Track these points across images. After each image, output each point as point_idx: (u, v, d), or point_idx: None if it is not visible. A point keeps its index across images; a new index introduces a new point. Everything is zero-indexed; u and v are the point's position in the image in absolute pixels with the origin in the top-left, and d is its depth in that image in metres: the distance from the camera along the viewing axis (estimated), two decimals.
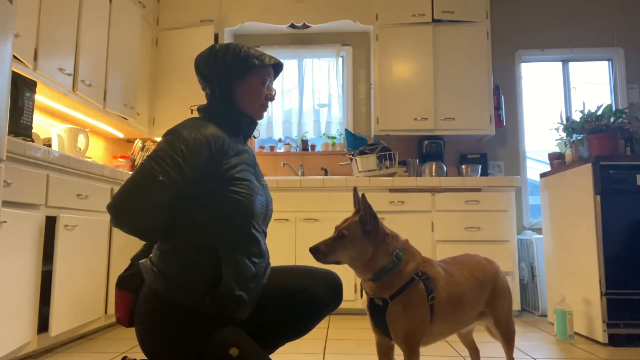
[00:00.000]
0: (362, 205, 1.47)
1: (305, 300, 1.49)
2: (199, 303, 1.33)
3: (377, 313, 1.49)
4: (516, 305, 3.47)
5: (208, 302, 1.32)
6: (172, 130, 1.37)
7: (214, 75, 1.48)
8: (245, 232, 1.41)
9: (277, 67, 1.60)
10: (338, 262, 1.48)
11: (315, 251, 1.45)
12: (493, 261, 1.76)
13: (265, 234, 1.51)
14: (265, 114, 1.60)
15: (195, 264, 1.36)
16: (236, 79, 1.48)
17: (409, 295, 1.44)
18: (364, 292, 1.55)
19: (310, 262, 1.53)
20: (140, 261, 1.45)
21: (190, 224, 1.37)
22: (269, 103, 1.58)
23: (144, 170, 1.29)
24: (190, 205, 1.37)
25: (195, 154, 1.33)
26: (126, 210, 1.26)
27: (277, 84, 4.55)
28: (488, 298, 1.66)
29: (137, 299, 1.41)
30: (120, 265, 3.03)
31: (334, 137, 4.48)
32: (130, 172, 3.24)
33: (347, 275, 3.40)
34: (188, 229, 1.38)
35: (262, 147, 4.53)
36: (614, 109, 2.86)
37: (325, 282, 1.55)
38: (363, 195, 1.48)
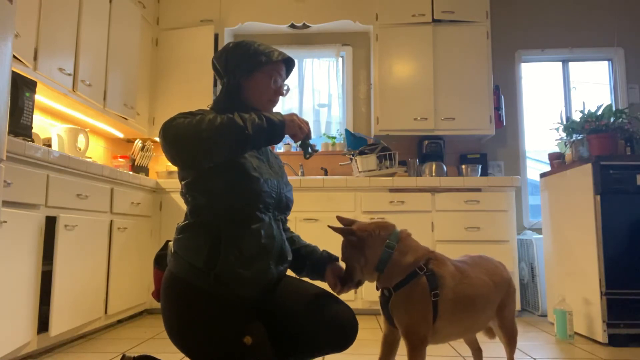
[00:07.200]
0: (336, 231, 1.50)
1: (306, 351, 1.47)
2: (204, 282, 1.35)
3: (385, 303, 1.52)
4: (516, 305, 3.46)
5: (212, 280, 1.35)
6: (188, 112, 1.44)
7: (224, 71, 1.53)
8: (247, 212, 1.41)
9: (289, 63, 1.60)
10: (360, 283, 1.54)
11: (348, 289, 1.52)
12: (505, 265, 1.77)
13: (280, 221, 1.52)
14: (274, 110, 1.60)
15: (198, 241, 1.39)
16: (243, 75, 1.50)
17: (410, 288, 1.46)
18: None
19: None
20: (170, 242, 1.51)
21: (196, 205, 1.43)
22: (280, 99, 1.59)
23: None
24: (195, 189, 1.43)
25: None
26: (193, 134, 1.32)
27: None
28: (499, 302, 1.67)
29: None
30: (121, 265, 3.04)
31: (334, 137, 4.48)
32: (130, 172, 3.24)
33: None
34: (196, 209, 1.43)
35: None
36: (614, 109, 2.86)
37: (334, 333, 1.46)
38: (333, 227, 1.51)
